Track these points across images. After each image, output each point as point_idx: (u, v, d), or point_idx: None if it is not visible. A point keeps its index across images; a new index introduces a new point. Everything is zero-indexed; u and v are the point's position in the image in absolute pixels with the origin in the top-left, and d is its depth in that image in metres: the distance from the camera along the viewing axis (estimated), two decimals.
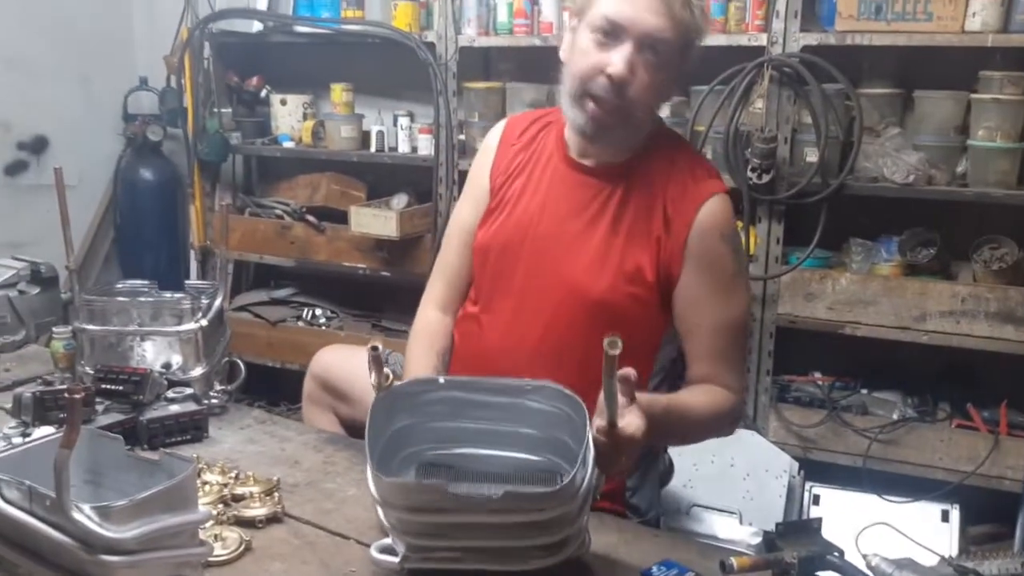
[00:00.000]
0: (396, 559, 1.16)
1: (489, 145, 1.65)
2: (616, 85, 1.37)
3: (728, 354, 1.48)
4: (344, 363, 1.79)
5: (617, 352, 1.08)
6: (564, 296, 1.48)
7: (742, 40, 2.61)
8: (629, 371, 1.21)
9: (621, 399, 1.20)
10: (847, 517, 2.44)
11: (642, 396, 1.26)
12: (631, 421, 1.20)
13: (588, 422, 1.15)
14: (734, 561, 1.21)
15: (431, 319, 1.67)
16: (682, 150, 1.52)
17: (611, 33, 1.37)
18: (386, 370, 1.19)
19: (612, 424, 1.18)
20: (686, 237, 1.43)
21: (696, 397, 1.45)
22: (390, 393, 1.21)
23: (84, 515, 1.00)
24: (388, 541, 1.20)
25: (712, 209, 1.43)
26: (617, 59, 1.36)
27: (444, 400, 1.26)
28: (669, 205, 1.44)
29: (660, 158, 1.48)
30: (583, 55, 1.41)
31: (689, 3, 1.36)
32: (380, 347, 1.17)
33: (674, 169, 1.47)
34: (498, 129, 1.67)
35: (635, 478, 1.58)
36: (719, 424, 1.51)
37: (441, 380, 1.28)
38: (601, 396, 1.17)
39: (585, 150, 1.52)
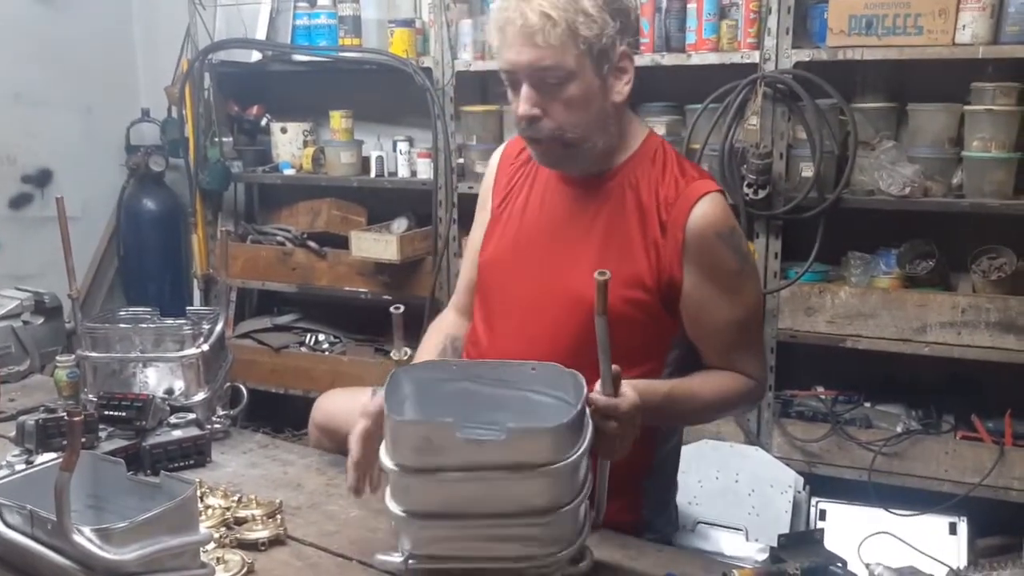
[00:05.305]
0: (400, 557, 1.20)
1: (491, 164, 1.72)
2: (529, 123, 1.43)
3: (742, 347, 1.51)
4: (344, 410, 1.75)
5: (606, 279, 1.16)
6: (565, 307, 1.49)
7: (735, 58, 2.63)
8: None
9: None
10: (855, 531, 2.44)
11: (639, 383, 1.32)
12: (623, 391, 1.26)
13: (585, 391, 1.21)
14: (736, 573, 1.22)
15: (447, 316, 1.76)
16: (670, 155, 1.53)
17: (512, 79, 1.44)
18: (405, 348, 1.29)
19: (616, 376, 1.23)
20: (683, 240, 1.44)
21: (705, 380, 1.49)
22: (403, 380, 1.28)
23: (85, 538, 1.01)
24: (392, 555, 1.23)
25: (705, 210, 1.44)
26: (519, 102, 1.43)
27: (457, 393, 1.31)
28: (663, 209, 1.46)
29: (648, 164, 1.50)
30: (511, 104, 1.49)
31: (551, 24, 1.34)
32: (401, 308, 1.31)
33: (665, 173, 1.49)
34: (500, 149, 1.74)
35: (648, 509, 1.59)
36: (730, 406, 1.56)
37: (453, 366, 1.36)
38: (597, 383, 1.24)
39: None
